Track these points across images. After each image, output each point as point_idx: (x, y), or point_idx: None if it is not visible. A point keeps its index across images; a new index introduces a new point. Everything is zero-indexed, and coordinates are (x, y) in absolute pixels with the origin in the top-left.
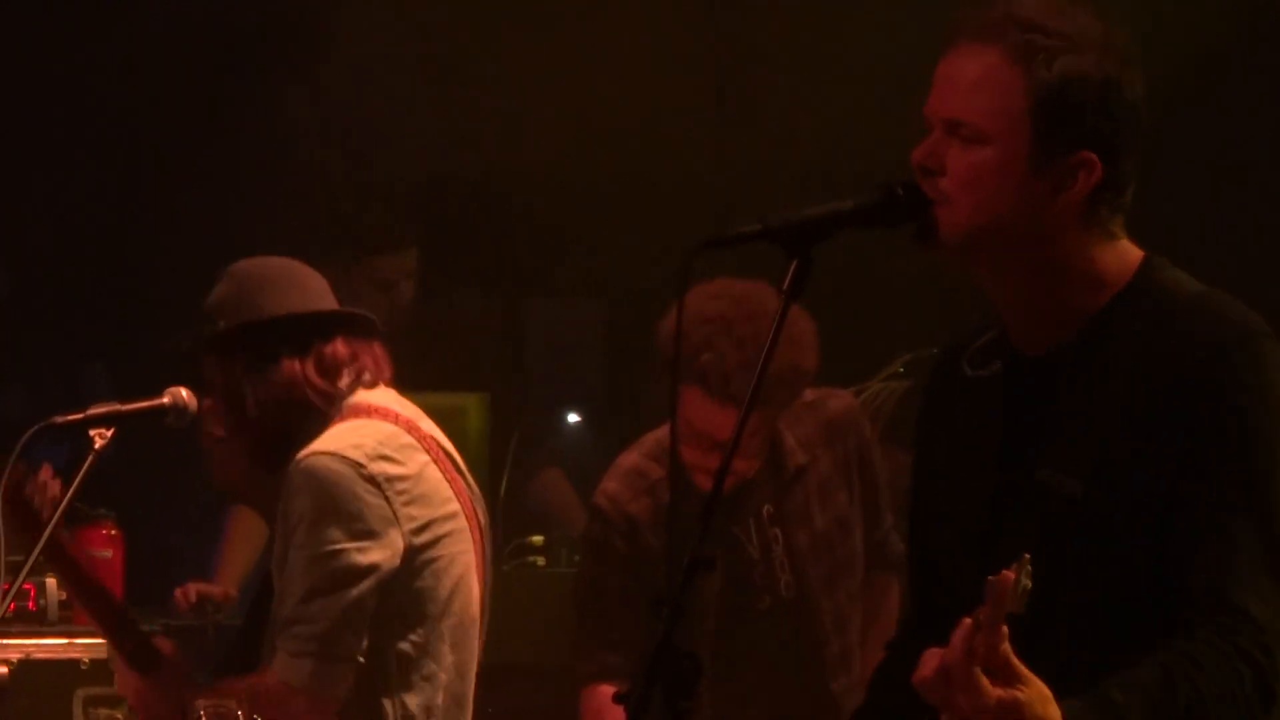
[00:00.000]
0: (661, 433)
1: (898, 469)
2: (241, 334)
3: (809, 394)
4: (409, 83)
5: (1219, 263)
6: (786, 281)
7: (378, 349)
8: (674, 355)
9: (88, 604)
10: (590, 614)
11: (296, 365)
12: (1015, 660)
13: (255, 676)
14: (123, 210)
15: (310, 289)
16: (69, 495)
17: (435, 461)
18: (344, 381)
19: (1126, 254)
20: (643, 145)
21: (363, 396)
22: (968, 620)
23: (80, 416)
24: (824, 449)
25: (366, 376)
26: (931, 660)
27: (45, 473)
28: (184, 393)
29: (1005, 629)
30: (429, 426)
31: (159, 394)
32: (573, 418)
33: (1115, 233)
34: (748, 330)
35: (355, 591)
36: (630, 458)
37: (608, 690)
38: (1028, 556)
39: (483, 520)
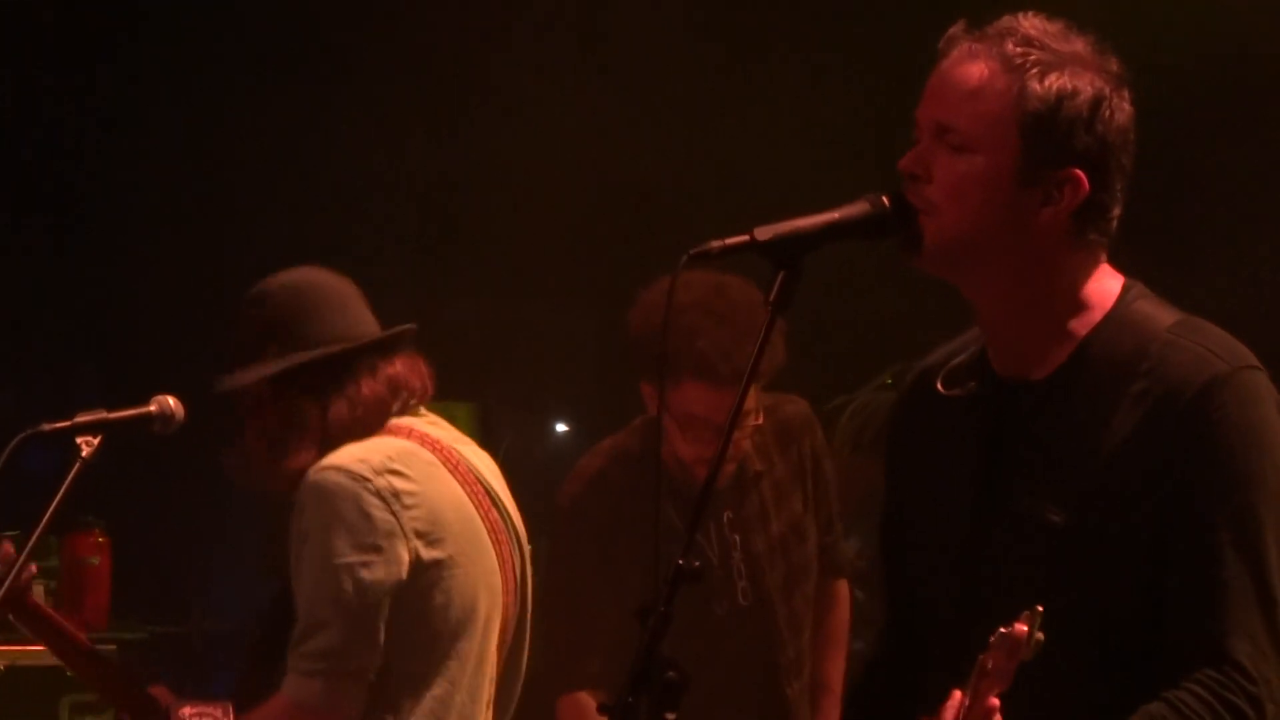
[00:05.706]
0: (619, 437)
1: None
2: (299, 371)
3: (764, 399)
4: (404, 92)
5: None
6: (774, 293)
7: (422, 366)
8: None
9: (57, 650)
10: (563, 620)
11: (344, 408)
12: None
13: (264, 705)
14: (114, 211)
15: (352, 310)
16: (55, 502)
17: (461, 481)
18: (389, 410)
19: (1108, 279)
20: (635, 154)
21: (394, 421)
22: (958, 693)
23: (67, 424)
24: (779, 454)
25: (413, 401)
26: None
27: None
28: (170, 401)
29: (997, 703)
30: (464, 448)
31: (146, 401)
32: (561, 427)
33: (1099, 257)
34: (722, 305)
35: (364, 605)
36: (594, 462)
37: (585, 698)
38: (1041, 609)
39: (518, 550)
